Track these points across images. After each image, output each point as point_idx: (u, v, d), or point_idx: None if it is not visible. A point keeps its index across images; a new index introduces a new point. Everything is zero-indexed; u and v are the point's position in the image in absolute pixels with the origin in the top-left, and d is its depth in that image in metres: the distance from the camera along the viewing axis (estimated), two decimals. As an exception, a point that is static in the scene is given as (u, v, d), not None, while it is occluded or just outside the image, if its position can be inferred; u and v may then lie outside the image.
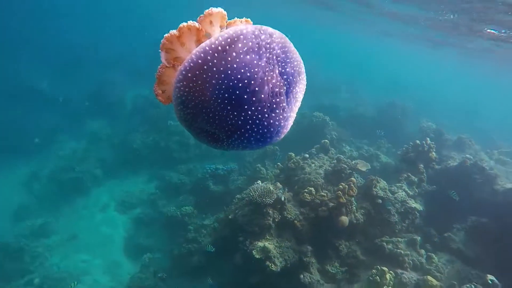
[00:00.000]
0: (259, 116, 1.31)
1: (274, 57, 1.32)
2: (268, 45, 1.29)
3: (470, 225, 8.14)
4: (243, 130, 1.32)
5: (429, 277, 6.45)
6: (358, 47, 59.38)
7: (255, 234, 6.89)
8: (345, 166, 8.39)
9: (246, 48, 1.23)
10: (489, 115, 29.43)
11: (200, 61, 1.21)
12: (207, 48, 1.21)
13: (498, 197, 8.13)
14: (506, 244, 7.46)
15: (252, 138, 1.36)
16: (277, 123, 1.37)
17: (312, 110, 14.96)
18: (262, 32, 1.29)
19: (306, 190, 7.49)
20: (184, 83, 1.24)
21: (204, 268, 8.69)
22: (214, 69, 1.21)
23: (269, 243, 6.74)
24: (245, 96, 1.25)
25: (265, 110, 1.32)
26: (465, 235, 8.04)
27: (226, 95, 1.24)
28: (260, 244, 6.64)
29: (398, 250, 7.23)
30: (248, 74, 1.24)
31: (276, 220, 7.02)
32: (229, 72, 1.22)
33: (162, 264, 9.68)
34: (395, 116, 17.80)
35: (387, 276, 6.49)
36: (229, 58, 1.21)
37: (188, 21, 1.33)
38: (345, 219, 7.07)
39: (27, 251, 10.30)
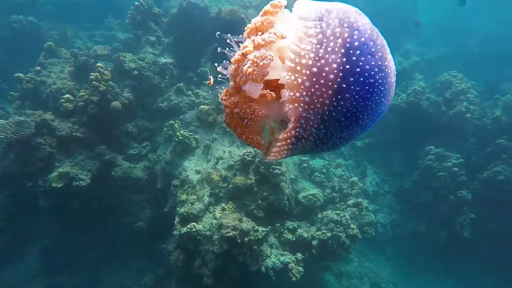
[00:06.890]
0: (388, 97, 1.28)
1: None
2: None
3: (209, 55, 9.86)
4: (377, 119, 1.29)
5: (202, 106, 7.93)
6: None
7: (42, 170, 6.23)
8: (85, 57, 7.91)
9: (370, 47, 1.13)
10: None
11: (345, 85, 1.09)
12: (353, 66, 1.08)
13: (216, 22, 9.85)
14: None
15: (378, 118, 1.32)
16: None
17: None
18: (362, 17, 1.19)
19: (63, 100, 6.83)
20: (333, 112, 1.13)
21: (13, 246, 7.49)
22: (368, 86, 1.12)
23: (62, 168, 6.33)
24: (386, 86, 1.20)
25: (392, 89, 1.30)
26: (210, 64, 9.79)
27: (377, 97, 1.17)
28: (54, 174, 6.15)
29: (172, 102, 8.25)
30: (383, 67, 1.17)
31: (53, 144, 6.42)
32: (376, 78, 1.14)
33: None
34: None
35: (176, 125, 7.58)
36: (373, 62, 1.12)
37: (272, 32, 1.15)
38: (116, 103, 7.18)
39: None
